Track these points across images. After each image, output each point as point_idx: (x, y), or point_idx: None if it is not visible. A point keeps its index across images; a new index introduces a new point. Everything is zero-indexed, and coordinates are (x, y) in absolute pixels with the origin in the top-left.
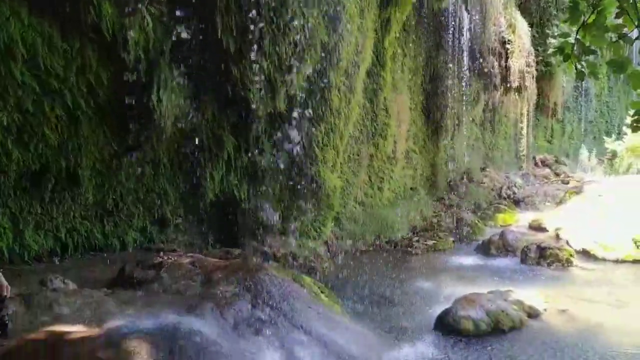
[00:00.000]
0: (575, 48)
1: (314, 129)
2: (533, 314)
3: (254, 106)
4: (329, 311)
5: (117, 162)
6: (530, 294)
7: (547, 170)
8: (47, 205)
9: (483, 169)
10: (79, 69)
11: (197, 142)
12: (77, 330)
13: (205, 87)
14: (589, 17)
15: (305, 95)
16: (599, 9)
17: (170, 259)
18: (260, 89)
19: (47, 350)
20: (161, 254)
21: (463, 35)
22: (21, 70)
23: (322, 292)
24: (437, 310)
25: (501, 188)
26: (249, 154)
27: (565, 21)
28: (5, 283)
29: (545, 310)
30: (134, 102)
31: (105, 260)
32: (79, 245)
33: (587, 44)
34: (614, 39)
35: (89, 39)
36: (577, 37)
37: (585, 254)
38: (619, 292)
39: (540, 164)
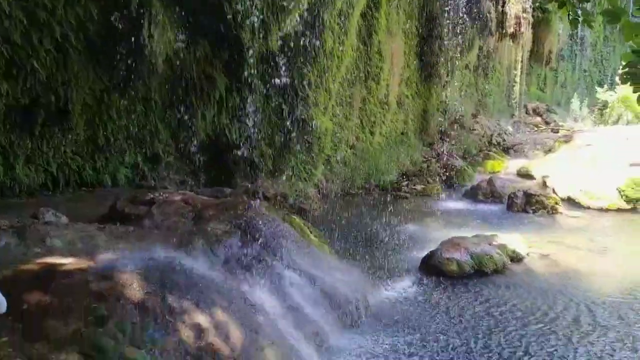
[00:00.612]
0: None
1: (306, 70)
2: (516, 258)
3: (246, 46)
4: (318, 251)
5: (107, 98)
6: (514, 239)
7: (538, 118)
8: (38, 140)
9: (474, 116)
10: (67, 1)
11: (188, 81)
12: (69, 261)
13: (198, 25)
14: None
15: (298, 36)
16: None
17: (162, 195)
18: (253, 29)
19: (40, 281)
20: (153, 191)
21: None
22: (8, 1)
23: (311, 232)
24: (423, 252)
25: (492, 135)
26: (241, 94)
27: None
28: None
29: (528, 255)
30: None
31: (96, 196)
32: (70, 180)
33: None
34: None
35: None
36: None
37: (571, 202)
38: (602, 239)
39: (531, 112)
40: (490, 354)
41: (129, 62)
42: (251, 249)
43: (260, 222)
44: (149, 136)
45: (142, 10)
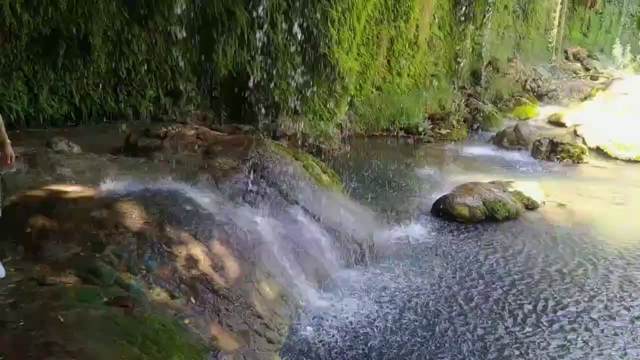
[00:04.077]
0: None
1: (329, 7)
2: (531, 205)
3: None
4: (328, 190)
5: (129, 31)
6: (532, 186)
7: (578, 64)
8: (60, 71)
9: (510, 60)
10: None
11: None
12: (75, 189)
13: None
14: None
15: None
16: None
17: (175, 129)
18: None
19: (45, 206)
20: (168, 124)
21: None
22: None
23: (324, 172)
24: (438, 196)
25: (526, 80)
26: (262, 30)
27: None
28: (11, 152)
29: (544, 203)
30: None
31: (117, 128)
32: (93, 112)
33: None
34: None
35: None
36: None
37: (599, 152)
38: (623, 190)
39: (572, 57)
40: (486, 297)
41: None
42: (257, 184)
43: (268, 160)
44: (170, 70)
45: None
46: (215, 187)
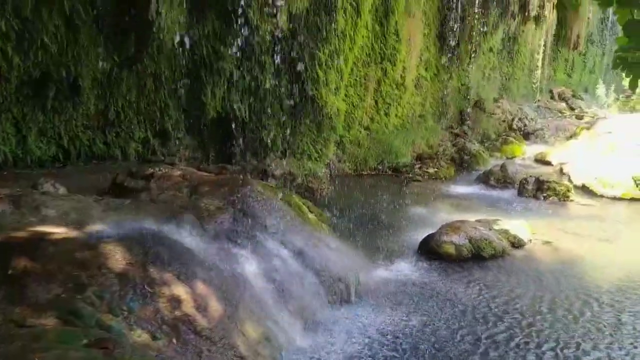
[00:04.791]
0: None
1: (316, 50)
2: (517, 244)
3: (255, 23)
4: (314, 229)
5: (118, 73)
6: (518, 224)
7: (563, 104)
8: (50, 113)
9: (497, 100)
10: None
11: (197, 57)
12: (59, 231)
13: (206, 1)
14: None
15: (309, 15)
16: None
17: (161, 170)
18: (262, 6)
19: (28, 248)
20: (154, 165)
21: None
22: None
23: (311, 211)
24: (424, 235)
25: (512, 120)
26: (251, 72)
27: None
28: None
29: (530, 241)
30: (133, 14)
31: (105, 169)
32: (81, 153)
33: None
34: None
35: None
36: None
37: (585, 190)
38: (610, 227)
39: (557, 97)
40: (472, 336)
41: (137, 37)
42: (242, 225)
43: (253, 199)
44: (158, 112)
45: None
46: (200, 228)
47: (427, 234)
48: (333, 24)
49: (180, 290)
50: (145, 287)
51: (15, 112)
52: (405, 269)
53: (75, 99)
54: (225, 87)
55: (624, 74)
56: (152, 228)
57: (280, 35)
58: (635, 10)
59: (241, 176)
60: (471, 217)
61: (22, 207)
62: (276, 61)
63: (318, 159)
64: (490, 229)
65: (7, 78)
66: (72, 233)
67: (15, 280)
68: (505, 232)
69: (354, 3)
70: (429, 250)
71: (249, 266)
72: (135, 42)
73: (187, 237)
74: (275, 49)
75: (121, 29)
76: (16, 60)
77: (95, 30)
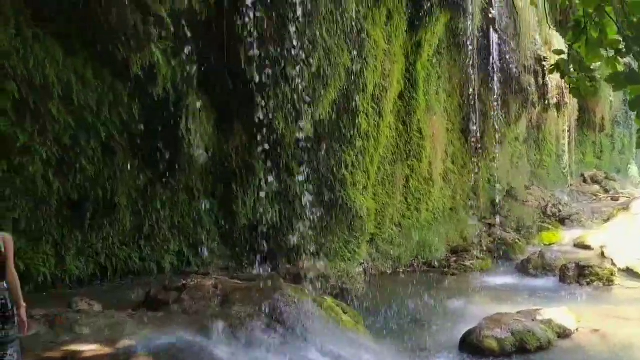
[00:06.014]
0: (569, 64)
1: (342, 153)
2: (563, 333)
3: (280, 132)
4: (348, 331)
5: (152, 189)
6: (562, 312)
7: (596, 186)
8: (87, 232)
9: (528, 187)
10: (111, 103)
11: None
12: (92, 348)
13: (232, 116)
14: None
15: (333, 120)
16: (600, 27)
17: (194, 281)
18: (286, 115)
19: None
20: (186, 277)
21: (491, 54)
22: (58, 108)
23: (344, 312)
24: (464, 330)
25: (546, 206)
26: (280, 179)
27: (568, 40)
28: (24, 318)
29: (577, 330)
30: (164, 132)
31: (141, 284)
32: (118, 269)
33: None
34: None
35: (119, 75)
36: (570, 52)
37: (629, 272)
38: None
39: (589, 180)
40: None
41: (169, 155)
42: (274, 331)
43: (284, 304)
44: (192, 224)
45: (179, 106)
46: (231, 336)
47: (467, 329)
48: (356, 127)
49: None
50: None
51: (55, 234)
52: None
53: (111, 217)
54: (256, 195)
55: None
56: (182, 340)
57: (304, 140)
58: None
59: (274, 281)
60: (512, 309)
61: (56, 326)
62: (303, 165)
63: (351, 259)
64: (533, 320)
65: (48, 202)
66: (104, 349)
67: None
68: (549, 322)
69: (375, 106)
70: (471, 346)
71: None
72: (167, 158)
73: (219, 347)
74: (302, 154)
75: (154, 147)
76: (56, 185)
77: (129, 150)
